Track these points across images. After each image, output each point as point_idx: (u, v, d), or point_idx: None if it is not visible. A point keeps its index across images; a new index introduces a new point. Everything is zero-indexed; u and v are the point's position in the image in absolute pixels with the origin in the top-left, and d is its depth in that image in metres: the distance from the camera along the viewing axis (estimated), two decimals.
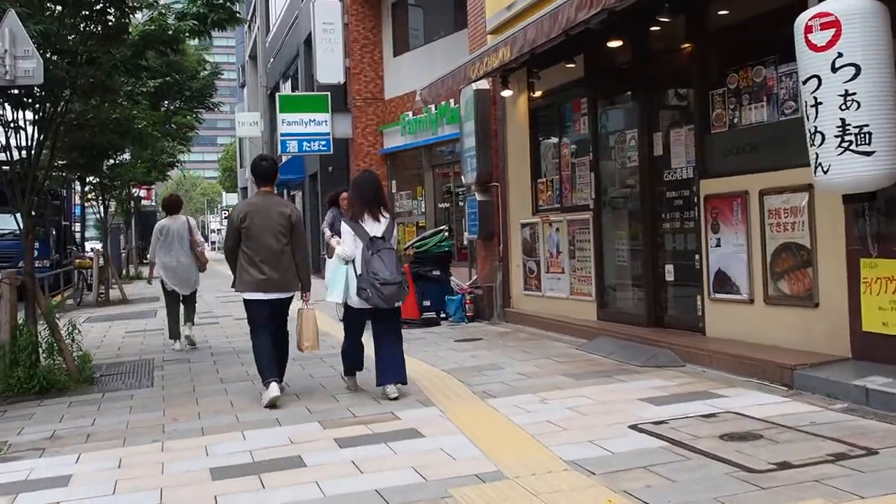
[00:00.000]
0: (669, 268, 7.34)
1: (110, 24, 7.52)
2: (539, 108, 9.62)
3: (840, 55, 4.62)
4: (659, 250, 7.50)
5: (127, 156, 18.66)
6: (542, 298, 9.42)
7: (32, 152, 7.45)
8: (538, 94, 9.48)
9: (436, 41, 15.61)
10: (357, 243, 5.92)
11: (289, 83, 25.04)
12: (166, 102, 19.70)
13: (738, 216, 6.35)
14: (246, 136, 27.81)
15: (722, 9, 6.61)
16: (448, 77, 9.16)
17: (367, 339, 6.19)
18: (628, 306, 8.07)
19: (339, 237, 6.29)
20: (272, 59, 25.83)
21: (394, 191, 17.17)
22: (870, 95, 4.59)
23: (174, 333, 9.23)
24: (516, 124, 9.99)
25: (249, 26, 33.36)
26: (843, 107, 4.62)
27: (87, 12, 7.24)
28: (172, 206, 9.44)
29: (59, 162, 13.05)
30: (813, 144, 4.83)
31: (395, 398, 5.77)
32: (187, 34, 7.97)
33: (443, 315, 10.53)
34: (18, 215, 7.39)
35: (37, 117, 7.56)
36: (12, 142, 7.53)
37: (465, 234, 11.47)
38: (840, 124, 4.64)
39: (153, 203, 37.25)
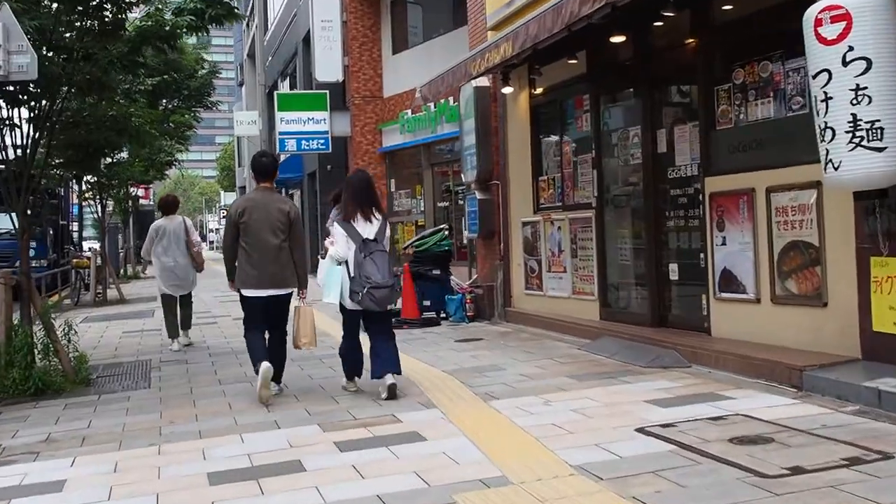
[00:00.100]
0: (673, 267, 7.24)
1: (107, 19, 7.42)
2: (540, 105, 9.52)
3: (851, 49, 4.53)
4: (663, 249, 7.40)
5: (125, 154, 18.56)
6: (544, 298, 9.32)
7: (28, 150, 7.38)
8: (539, 90, 9.38)
9: (435, 39, 15.51)
10: (349, 245, 5.88)
11: (287, 81, 24.95)
12: (164, 101, 19.65)
13: (744, 214, 6.25)
14: (244, 135, 27.73)
15: (727, 3, 6.51)
16: (448, 74, 9.06)
17: (364, 340, 6.13)
18: (632, 306, 7.98)
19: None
20: (270, 58, 25.73)
21: (393, 189, 17.08)
22: (881, 90, 4.50)
23: (172, 333, 9.16)
24: (517, 121, 9.89)
25: (248, 24, 33.27)
26: (855, 101, 4.53)
27: (83, 8, 7.14)
28: (169, 206, 9.41)
29: (56, 160, 12.95)
30: (823, 140, 4.73)
31: (393, 396, 5.72)
32: (184, 30, 7.86)
33: (443, 315, 10.43)
34: (14, 214, 7.31)
35: (32, 115, 7.47)
36: (7, 140, 7.44)
37: (465, 232, 11.37)
38: (851, 119, 4.54)
39: (151, 202, 37.12)
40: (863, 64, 4.50)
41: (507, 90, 9.62)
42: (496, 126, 10.40)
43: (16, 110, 7.52)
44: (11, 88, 7.23)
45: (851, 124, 4.55)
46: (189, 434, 5.16)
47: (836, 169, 4.67)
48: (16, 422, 5.87)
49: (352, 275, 5.82)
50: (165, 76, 16.56)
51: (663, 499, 3.42)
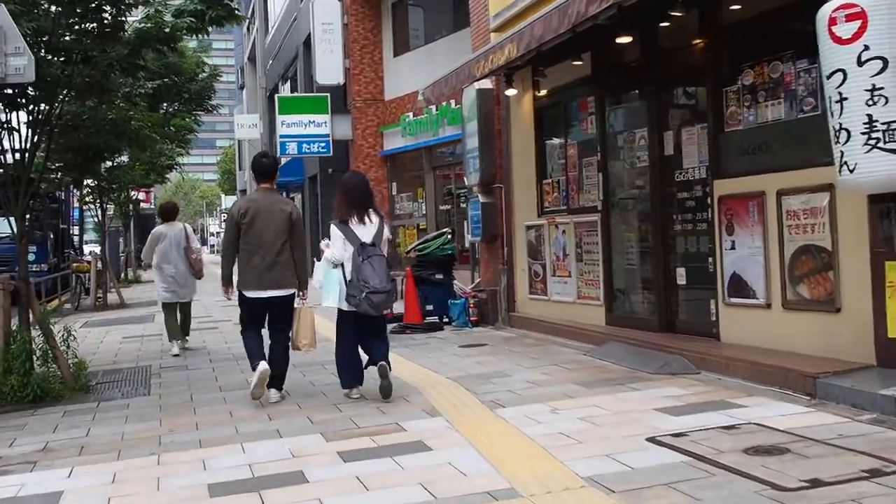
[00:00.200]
0: (681, 271, 7.13)
1: (106, 21, 7.33)
2: (544, 108, 9.42)
3: (866, 48, 4.42)
4: (670, 253, 7.29)
5: (125, 158, 18.48)
6: (549, 302, 9.21)
7: (26, 154, 7.29)
8: (543, 92, 9.28)
9: (436, 41, 15.42)
10: (346, 247, 5.86)
11: (288, 85, 24.86)
12: (165, 104, 19.58)
13: (754, 217, 6.14)
14: (245, 139, 27.67)
15: (735, 2, 6.41)
16: (452, 76, 8.96)
17: None
18: (638, 310, 7.86)
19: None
20: (271, 61, 25.66)
21: (394, 193, 16.98)
22: None
23: (173, 335, 9.12)
24: (521, 124, 9.79)
25: (248, 28, 33.24)
26: (870, 102, 4.42)
27: (83, 10, 7.05)
28: (169, 213, 9.47)
29: (55, 164, 12.87)
30: (838, 142, 4.62)
31: (385, 376, 5.82)
32: (184, 32, 7.76)
33: (446, 319, 10.32)
34: (13, 219, 7.23)
35: (30, 118, 7.39)
36: (6, 143, 7.35)
37: (468, 236, 11.28)
38: (867, 120, 4.44)
39: (152, 206, 37.07)
40: (879, 64, 4.39)
41: (510, 92, 9.52)
42: (499, 129, 10.30)
43: (14, 113, 7.44)
44: (10, 91, 7.15)
45: (867, 126, 4.44)
46: (189, 443, 5.05)
47: (851, 171, 4.56)
48: (13, 430, 5.77)
49: (349, 278, 5.82)
50: (166, 79, 16.48)
51: None
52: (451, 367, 7.14)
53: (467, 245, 12.08)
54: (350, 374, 6.09)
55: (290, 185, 23.90)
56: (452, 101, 13.20)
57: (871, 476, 3.57)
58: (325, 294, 5.98)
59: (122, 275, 25.55)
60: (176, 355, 8.84)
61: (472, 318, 10.12)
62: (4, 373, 6.61)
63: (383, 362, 5.90)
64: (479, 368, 7.03)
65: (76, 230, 26.18)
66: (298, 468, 4.32)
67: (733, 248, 6.37)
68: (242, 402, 6.21)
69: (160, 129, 17.73)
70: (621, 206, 8.08)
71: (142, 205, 30.97)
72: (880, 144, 4.42)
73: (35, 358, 6.90)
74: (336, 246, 5.91)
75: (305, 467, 4.32)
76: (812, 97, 5.64)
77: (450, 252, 10.74)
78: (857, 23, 4.44)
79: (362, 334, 6.04)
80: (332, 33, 17.11)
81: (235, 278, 6.29)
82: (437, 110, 14.33)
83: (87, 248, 27.51)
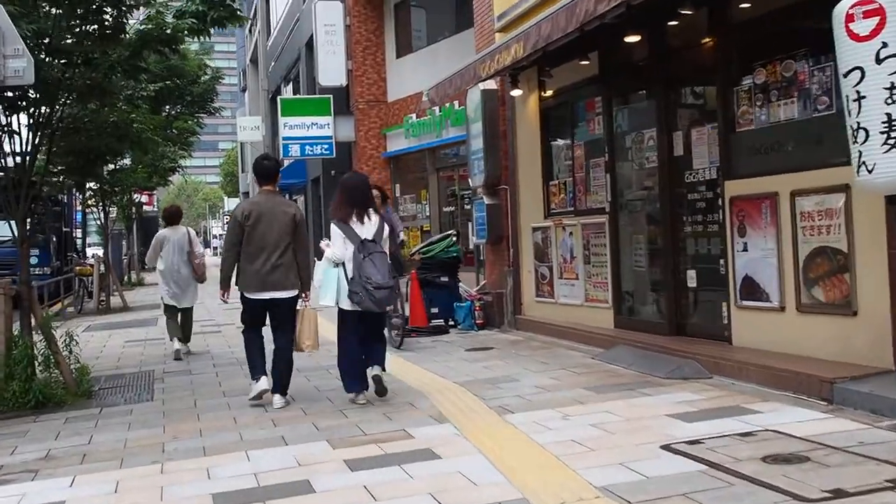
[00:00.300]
0: (692, 273, 7.01)
1: (107, 23, 7.25)
2: (550, 108, 9.30)
3: (885, 45, 4.30)
4: (680, 255, 7.17)
5: (127, 161, 18.42)
6: (556, 305, 9.10)
7: (27, 157, 7.21)
8: (549, 93, 9.17)
9: (439, 42, 15.35)
10: (347, 245, 5.85)
11: (290, 86, 24.80)
12: (167, 107, 19.53)
13: (766, 219, 6.03)
14: (247, 141, 27.54)
15: (746, 0, 6.30)
16: (457, 76, 8.86)
17: None
18: (647, 313, 7.75)
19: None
20: (273, 63, 25.58)
21: (398, 194, 16.91)
22: None
23: (173, 334, 9.16)
24: (527, 125, 9.69)
25: (250, 30, 33.17)
26: (890, 101, 4.30)
27: (83, 11, 6.97)
28: (173, 216, 9.49)
29: (56, 167, 12.80)
30: (855, 142, 4.51)
31: (379, 383, 5.83)
32: (186, 33, 7.68)
33: (451, 322, 10.21)
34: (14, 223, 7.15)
35: (31, 121, 7.31)
36: (6, 147, 7.27)
37: (473, 238, 11.18)
38: (886, 120, 4.32)
39: (155, 208, 37.01)
40: None
41: (515, 93, 9.42)
42: (504, 129, 10.19)
43: (15, 116, 7.36)
44: (10, 94, 7.07)
45: (886, 125, 4.33)
46: (193, 451, 4.96)
47: (869, 171, 4.45)
48: (15, 437, 5.70)
49: (351, 276, 5.81)
50: (168, 82, 16.42)
51: None
52: (458, 372, 7.04)
53: (472, 246, 11.99)
54: (353, 378, 6.01)
55: (292, 188, 23.83)
56: (456, 103, 13.13)
57: (895, 486, 3.46)
58: (322, 293, 5.94)
59: (125, 278, 25.48)
60: (177, 355, 8.84)
61: (477, 321, 10.01)
62: (6, 378, 6.54)
63: (377, 374, 5.94)
64: (486, 373, 6.93)
65: (79, 233, 26.14)
66: (304, 477, 4.22)
67: (745, 249, 6.25)
68: (246, 407, 6.12)
69: (162, 131, 17.68)
70: (630, 208, 7.97)
71: (144, 207, 30.89)
72: None
73: (37, 363, 6.82)
74: (336, 245, 5.90)
75: (312, 476, 4.23)
76: (826, 96, 5.53)
77: (455, 254, 10.62)
78: (876, 19, 4.33)
79: (363, 335, 5.98)
80: (334, 35, 17.05)
81: (235, 281, 6.24)
82: (440, 111, 14.25)
83: (89, 252, 27.48)
